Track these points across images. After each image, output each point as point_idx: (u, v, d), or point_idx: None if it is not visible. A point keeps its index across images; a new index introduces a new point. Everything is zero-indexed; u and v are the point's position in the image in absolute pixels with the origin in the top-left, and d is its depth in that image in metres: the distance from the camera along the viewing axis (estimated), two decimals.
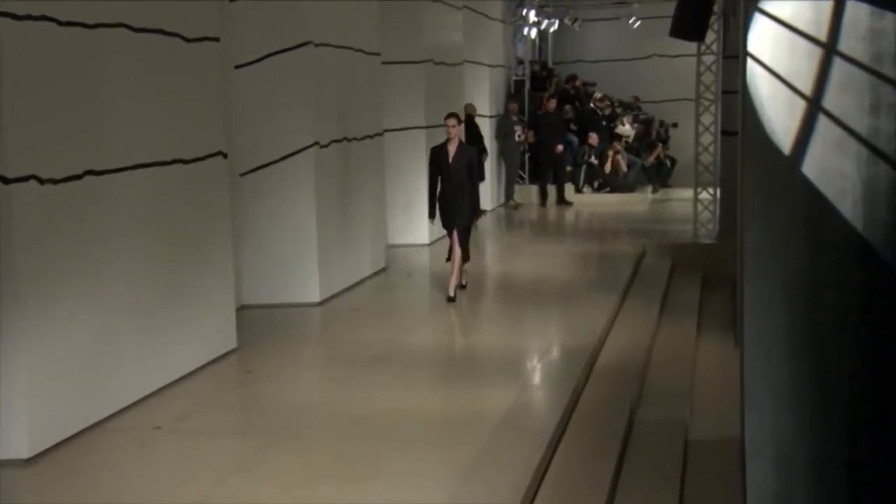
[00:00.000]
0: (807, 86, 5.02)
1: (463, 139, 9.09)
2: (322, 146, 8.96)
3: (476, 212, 9.21)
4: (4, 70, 4.93)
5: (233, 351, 7.24)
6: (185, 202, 6.62)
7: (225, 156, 7.26)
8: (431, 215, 9.21)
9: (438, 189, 8.99)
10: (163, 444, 5.43)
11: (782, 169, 5.02)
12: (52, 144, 5.29)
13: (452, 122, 8.84)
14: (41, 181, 5.17)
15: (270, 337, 7.79)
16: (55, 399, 5.29)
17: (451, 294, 8.85)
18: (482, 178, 15.32)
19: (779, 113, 4.98)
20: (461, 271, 9.09)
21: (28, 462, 5.09)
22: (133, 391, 5.99)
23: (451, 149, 8.86)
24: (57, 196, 5.29)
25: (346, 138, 9.60)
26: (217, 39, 7.11)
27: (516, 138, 16.06)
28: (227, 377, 6.84)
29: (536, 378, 6.73)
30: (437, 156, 8.97)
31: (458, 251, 8.94)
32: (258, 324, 8.12)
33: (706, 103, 12.90)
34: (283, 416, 5.88)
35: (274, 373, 6.90)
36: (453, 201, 8.90)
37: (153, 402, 6.05)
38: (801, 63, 5.17)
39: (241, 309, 8.24)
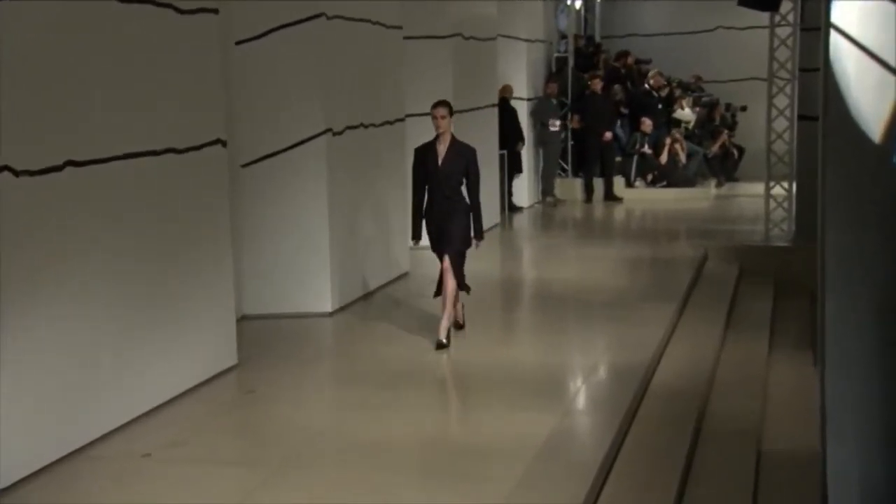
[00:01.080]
0: None
1: (451, 132, 7.94)
2: (335, 133, 8.99)
3: (477, 231, 7.96)
4: None
5: (232, 368, 7.29)
6: (178, 197, 6.66)
7: (224, 144, 7.30)
8: (416, 235, 8.13)
9: (425, 200, 7.98)
10: (152, 473, 5.45)
11: (872, 160, 4.95)
12: (29, 131, 5.33)
13: (441, 112, 7.80)
14: (16, 173, 5.22)
15: (275, 352, 7.83)
16: (31, 423, 5.33)
17: (443, 339, 7.74)
18: (518, 170, 15.38)
19: (867, 94, 4.91)
20: (455, 308, 8.07)
21: (1, 493, 5.15)
22: (119, 414, 6.04)
23: (441, 148, 7.83)
24: (34, 190, 5.34)
25: (362, 124, 9.63)
26: (215, 11, 7.15)
27: (554, 126, 15.97)
28: (226, 398, 6.88)
29: (581, 401, 6.72)
30: (424, 158, 7.90)
31: (450, 283, 7.86)
32: (261, 337, 8.17)
33: (780, 83, 12.79)
34: (289, 443, 5.91)
35: (279, 393, 6.93)
36: (444, 217, 7.84)
37: (142, 427, 6.08)
38: (893, 36, 5.09)
39: (242, 319, 8.29)
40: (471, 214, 7.86)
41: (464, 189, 7.95)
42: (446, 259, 7.80)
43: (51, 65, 5.52)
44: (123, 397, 6.07)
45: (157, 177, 6.42)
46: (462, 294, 8.06)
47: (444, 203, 7.81)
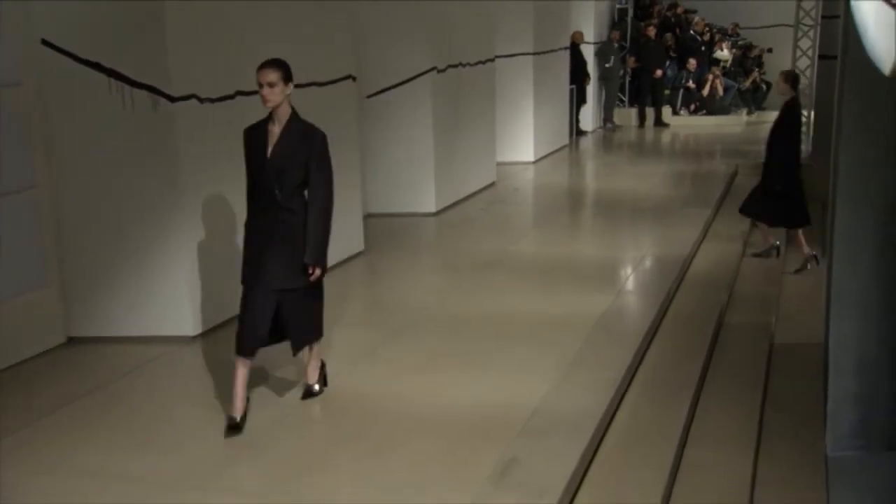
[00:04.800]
0: None
1: (290, 107, 4.23)
2: (440, 71, 8.94)
3: (312, 254, 4.23)
4: (168, 7, 5.09)
5: (360, 253, 7.43)
6: (319, 121, 6.71)
7: (354, 79, 7.34)
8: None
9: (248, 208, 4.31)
10: None
11: (882, 91, 4.78)
12: (209, 68, 5.44)
13: (269, 76, 4.09)
14: (200, 100, 5.36)
15: (392, 243, 7.93)
16: (213, 288, 5.51)
17: (235, 418, 4.17)
18: (584, 101, 15.12)
19: (881, 35, 4.71)
20: (316, 366, 4.55)
21: (194, 338, 5.39)
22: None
23: (275, 130, 4.19)
24: (212, 114, 5.46)
25: (461, 63, 9.54)
26: None
27: (608, 62, 15.60)
28: (356, 276, 7.02)
29: (631, 285, 6.70)
30: (251, 143, 4.24)
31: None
32: (381, 231, 8.26)
33: (805, 28, 12.24)
34: (404, 313, 5.98)
35: (394, 274, 7.07)
36: (267, 235, 4.20)
37: None
38: None
39: (367, 217, 8.42)
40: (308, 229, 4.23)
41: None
42: (263, 298, 4.18)
43: (227, 18, 5.60)
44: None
45: (304, 104, 6.48)
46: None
47: (272, 211, 4.19)
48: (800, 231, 7.98)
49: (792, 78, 7.81)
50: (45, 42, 5.13)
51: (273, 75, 4.08)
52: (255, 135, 4.23)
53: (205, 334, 5.45)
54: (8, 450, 4.07)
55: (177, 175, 5.24)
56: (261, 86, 4.09)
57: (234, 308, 5.84)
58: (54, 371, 5.02)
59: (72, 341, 5.39)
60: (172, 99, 5.15)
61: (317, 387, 4.57)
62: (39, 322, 5.24)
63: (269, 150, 4.15)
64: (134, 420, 4.39)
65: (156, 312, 5.34)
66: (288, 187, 4.18)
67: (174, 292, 5.33)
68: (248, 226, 4.31)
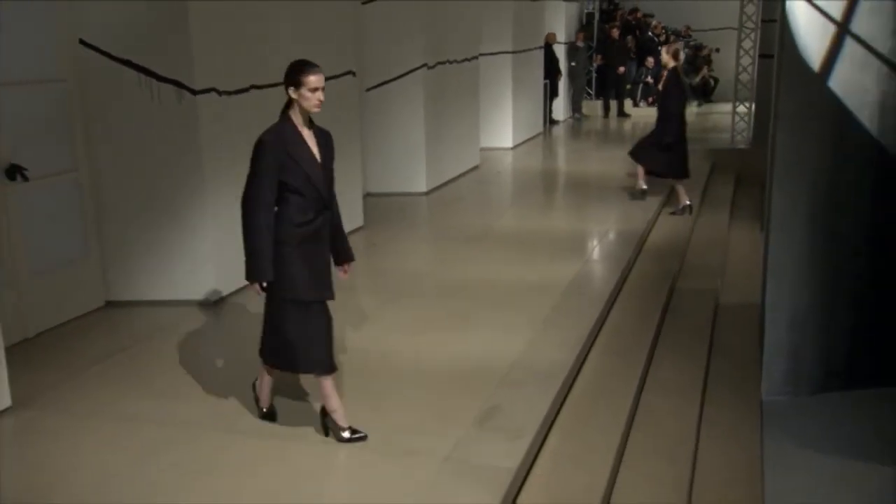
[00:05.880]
0: (839, 14, 4.72)
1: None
2: (430, 67, 8.87)
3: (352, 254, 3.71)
4: (191, 8, 5.02)
5: (361, 227, 7.40)
6: (324, 112, 6.65)
7: (354, 74, 7.27)
8: (257, 273, 3.37)
9: (291, 219, 3.41)
10: None
11: (813, 84, 4.78)
12: (226, 65, 5.37)
13: (323, 80, 3.41)
14: (219, 93, 5.30)
15: (389, 218, 7.89)
16: (232, 258, 5.49)
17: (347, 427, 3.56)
18: (556, 94, 15.06)
19: (813, 37, 4.71)
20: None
21: (216, 303, 5.37)
22: None
23: (306, 134, 3.45)
24: (229, 105, 5.42)
25: (449, 61, 9.46)
26: None
27: (574, 63, 15.55)
28: (357, 247, 6.82)
29: (596, 255, 6.71)
30: (287, 152, 3.37)
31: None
32: (379, 208, 8.22)
33: (747, 31, 12.19)
34: (401, 280, 5.96)
35: (392, 246, 7.03)
36: (321, 242, 3.52)
37: None
38: None
39: (366, 196, 8.39)
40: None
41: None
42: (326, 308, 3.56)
43: (244, 19, 5.53)
44: None
45: None
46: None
47: (323, 218, 3.48)
48: (680, 183, 8.20)
49: (673, 51, 8.18)
50: (82, 42, 5.06)
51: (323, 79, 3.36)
52: (291, 141, 3.35)
53: (224, 298, 5.44)
54: (55, 398, 4.07)
55: (199, 159, 5.20)
56: (315, 90, 3.33)
57: None
58: (95, 331, 5.01)
59: (109, 304, 5.37)
60: (195, 92, 5.09)
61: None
62: (81, 287, 5.23)
63: (316, 154, 3.43)
64: (166, 372, 4.38)
65: (184, 279, 5.33)
66: (331, 188, 3.52)
67: (199, 261, 5.32)
68: (292, 238, 3.35)
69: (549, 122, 14.71)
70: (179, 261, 5.31)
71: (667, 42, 16.88)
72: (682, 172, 8.18)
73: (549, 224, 7.81)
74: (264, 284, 3.42)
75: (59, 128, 5.05)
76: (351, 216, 7.20)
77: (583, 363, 4.64)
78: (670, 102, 8.10)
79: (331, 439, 3.60)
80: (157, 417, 3.84)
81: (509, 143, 12.17)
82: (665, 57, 8.16)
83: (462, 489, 3.19)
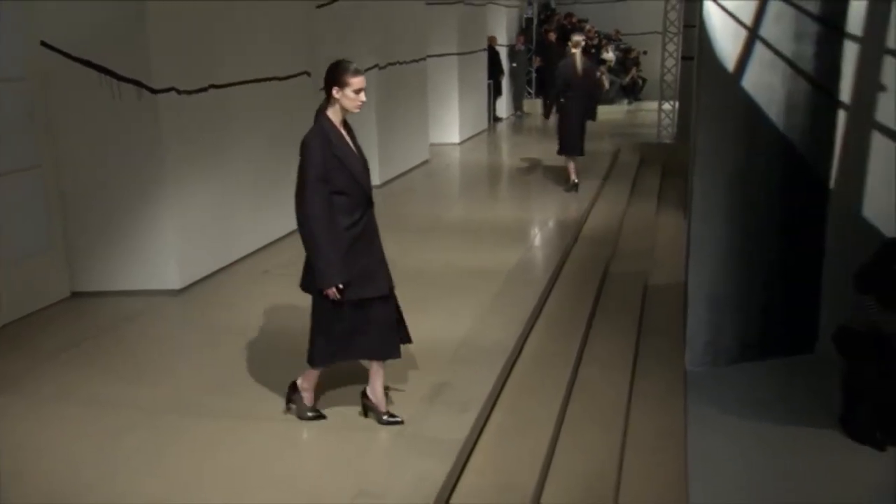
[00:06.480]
0: (748, 19, 4.82)
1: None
2: (381, 68, 8.78)
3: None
4: (149, 9, 4.85)
5: None
6: (281, 108, 6.57)
7: (309, 74, 7.15)
8: (336, 278, 3.24)
9: (347, 221, 3.29)
10: (271, 283, 5.45)
11: (727, 84, 4.88)
12: (185, 65, 5.23)
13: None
14: (178, 92, 5.16)
15: None
16: (195, 250, 5.38)
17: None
18: (499, 93, 15.03)
19: (726, 41, 4.80)
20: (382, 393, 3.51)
21: (179, 292, 5.25)
22: (249, 244, 6.07)
23: (345, 133, 3.37)
24: (188, 104, 5.28)
25: (399, 62, 9.38)
26: None
27: (513, 64, 15.61)
28: None
29: (537, 242, 6.75)
30: (340, 151, 3.29)
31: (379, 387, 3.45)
32: None
33: (671, 35, 12.39)
34: None
35: None
36: (376, 238, 3.50)
37: (265, 253, 6.10)
38: (745, 2, 4.94)
39: None
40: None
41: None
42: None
43: (201, 18, 5.38)
44: (251, 234, 6.11)
45: (268, 96, 6.32)
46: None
47: (371, 212, 3.40)
48: (573, 160, 8.62)
49: (574, 42, 8.66)
50: (43, 44, 4.85)
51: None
52: (335, 142, 3.19)
53: (187, 288, 5.32)
54: (23, 384, 3.93)
55: (161, 154, 5.06)
56: (359, 91, 3.22)
57: (211, 266, 5.68)
58: (61, 320, 4.84)
59: (75, 295, 5.20)
60: (154, 91, 4.94)
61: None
62: (47, 279, 5.05)
63: (355, 150, 3.28)
64: (129, 359, 4.27)
65: (146, 270, 5.19)
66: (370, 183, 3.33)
67: (161, 253, 5.18)
68: (344, 242, 3.20)
69: (494, 119, 14.72)
70: (142, 252, 5.17)
71: (599, 45, 17.07)
72: (576, 150, 8.51)
73: (494, 214, 7.82)
74: (340, 286, 3.16)
75: (22, 125, 4.85)
76: None
77: (525, 341, 4.67)
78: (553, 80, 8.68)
79: (290, 417, 3.55)
80: (120, 400, 3.74)
81: (457, 139, 12.16)
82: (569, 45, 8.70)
83: (415, 460, 3.19)
